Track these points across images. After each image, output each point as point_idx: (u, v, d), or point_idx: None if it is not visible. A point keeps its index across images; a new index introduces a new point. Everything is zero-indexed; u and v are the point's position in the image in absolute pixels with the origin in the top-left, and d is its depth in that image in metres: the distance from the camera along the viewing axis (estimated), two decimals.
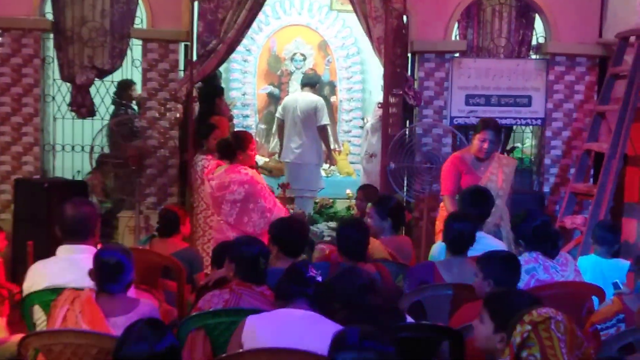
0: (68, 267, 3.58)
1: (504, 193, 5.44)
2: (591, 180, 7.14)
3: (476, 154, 5.53)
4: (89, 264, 3.34)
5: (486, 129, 5.46)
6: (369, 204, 4.86)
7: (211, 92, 7.69)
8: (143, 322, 2.68)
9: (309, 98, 8.11)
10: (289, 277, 3.19)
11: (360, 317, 3.04)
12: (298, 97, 8.27)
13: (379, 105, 7.18)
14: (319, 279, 3.18)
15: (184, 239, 5.18)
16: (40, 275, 3.59)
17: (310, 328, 2.98)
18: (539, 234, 4.04)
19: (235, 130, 7.71)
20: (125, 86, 7.70)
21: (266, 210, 5.63)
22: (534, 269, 3.95)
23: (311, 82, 8.31)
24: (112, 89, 7.77)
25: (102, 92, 7.53)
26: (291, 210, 7.86)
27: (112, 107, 7.93)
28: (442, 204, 5.72)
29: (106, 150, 7.27)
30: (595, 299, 3.97)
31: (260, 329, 3.01)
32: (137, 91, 7.72)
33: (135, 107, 7.91)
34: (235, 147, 5.79)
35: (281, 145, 8.41)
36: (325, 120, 8.00)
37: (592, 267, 4.61)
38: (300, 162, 8.10)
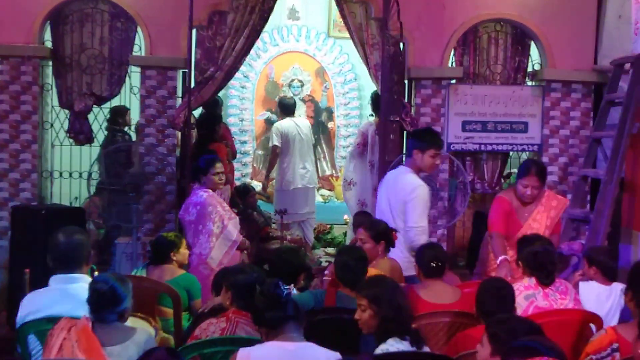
0: (62, 297, 3.56)
1: (549, 236, 5.03)
2: (588, 206, 7.14)
3: (520, 198, 5.29)
4: (82, 292, 3.33)
5: (528, 174, 5.18)
6: (360, 229, 4.82)
7: (210, 119, 7.73)
8: (161, 351, 2.70)
9: (306, 122, 8.43)
10: (265, 302, 3.17)
11: (389, 313, 3.29)
12: (297, 123, 8.39)
13: (376, 133, 7.21)
14: (294, 291, 3.20)
15: (182, 265, 5.16)
16: (35, 305, 3.57)
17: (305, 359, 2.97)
18: (537, 260, 4.05)
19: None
20: (119, 112, 7.71)
21: (212, 234, 5.64)
22: (534, 295, 3.95)
23: (293, 108, 8.62)
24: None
25: (101, 119, 7.56)
26: (289, 236, 7.88)
27: (106, 133, 7.90)
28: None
29: (103, 177, 7.26)
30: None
31: None
32: (131, 117, 7.72)
33: (130, 133, 7.92)
34: (198, 170, 5.83)
35: (269, 172, 8.61)
36: None
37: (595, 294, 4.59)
38: (311, 185, 8.46)
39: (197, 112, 7.86)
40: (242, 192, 7.94)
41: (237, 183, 9.13)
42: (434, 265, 4.23)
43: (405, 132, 6.99)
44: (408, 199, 5.01)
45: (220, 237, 5.63)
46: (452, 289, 4.29)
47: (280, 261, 4.29)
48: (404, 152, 6.90)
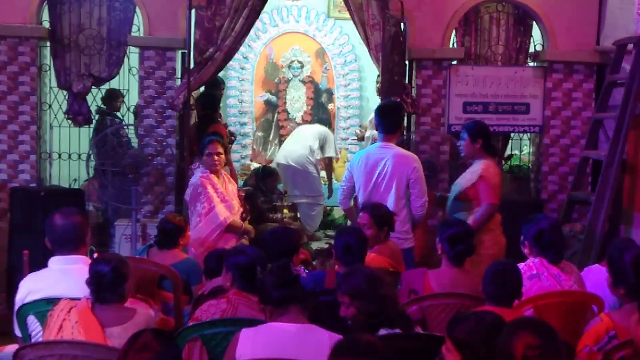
0: (61, 278, 3.54)
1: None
2: (589, 187, 7.12)
3: None
4: (82, 274, 3.31)
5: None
6: (364, 214, 4.75)
7: (210, 100, 7.69)
8: (149, 332, 2.67)
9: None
10: (273, 281, 3.15)
11: (372, 308, 3.15)
12: None
13: None
14: (304, 275, 3.17)
15: (183, 249, 5.14)
16: (35, 287, 3.55)
17: (306, 342, 2.95)
18: (545, 239, 4.02)
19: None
20: (113, 96, 7.67)
21: (199, 215, 5.67)
22: (537, 276, 3.93)
23: None
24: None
25: (99, 100, 7.52)
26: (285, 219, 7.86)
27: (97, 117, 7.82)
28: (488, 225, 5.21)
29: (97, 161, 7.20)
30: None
31: (256, 344, 2.98)
32: (122, 102, 7.65)
33: (121, 117, 7.86)
34: (198, 151, 5.84)
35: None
36: None
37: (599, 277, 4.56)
38: (298, 166, 8.39)
39: (196, 93, 7.81)
40: (263, 173, 7.92)
41: (237, 165, 9.12)
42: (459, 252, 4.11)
43: (405, 113, 6.95)
44: (413, 174, 5.23)
45: (205, 218, 5.64)
46: (472, 279, 4.06)
47: (270, 241, 4.24)
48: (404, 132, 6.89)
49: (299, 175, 8.22)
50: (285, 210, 7.94)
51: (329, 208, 8.79)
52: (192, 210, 5.75)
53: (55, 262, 3.65)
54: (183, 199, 6.15)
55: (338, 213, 8.71)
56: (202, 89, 7.62)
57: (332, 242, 7.05)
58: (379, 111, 5.48)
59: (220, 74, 7.94)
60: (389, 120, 5.39)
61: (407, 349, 3.09)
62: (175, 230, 4.91)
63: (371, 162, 5.31)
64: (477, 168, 5.26)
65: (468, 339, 2.60)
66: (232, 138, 8.11)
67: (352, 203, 5.82)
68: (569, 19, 7.21)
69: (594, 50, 7.28)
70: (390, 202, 5.15)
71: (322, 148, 8.43)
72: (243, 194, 6.32)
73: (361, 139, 8.88)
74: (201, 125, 7.31)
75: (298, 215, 8.24)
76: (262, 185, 7.85)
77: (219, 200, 5.70)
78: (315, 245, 7.41)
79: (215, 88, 7.98)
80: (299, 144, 8.40)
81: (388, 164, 5.24)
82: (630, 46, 6.65)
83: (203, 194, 5.67)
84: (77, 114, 7.25)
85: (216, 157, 5.72)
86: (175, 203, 7.04)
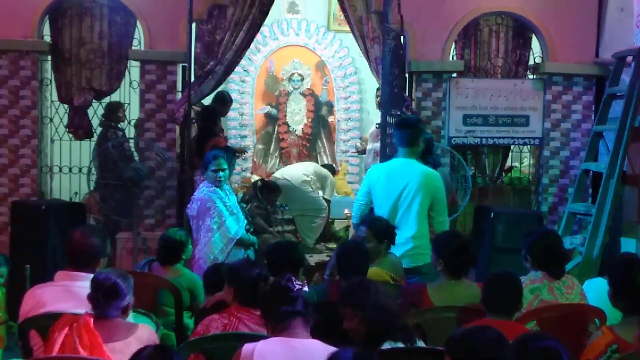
0: (65, 294, 3.54)
1: None
2: (590, 199, 7.13)
3: None
4: (85, 291, 3.31)
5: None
6: (363, 228, 4.71)
7: (210, 113, 7.70)
8: (152, 349, 2.66)
9: None
10: (276, 296, 3.14)
11: (374, 320, 3.14)
12: None
13: (377, 126, 7.20)
14: (305, 288, 3.16)
15: (185, 264, 5.12)
16: (38, 301, 3.55)
17: (309, 356, 2.94)
18: (547, 253, 4.02)
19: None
20: (114, 108, 7.68)
21: (209, 230, 5.63)
22: (539, 289, 3.93)
23: None
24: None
25: (100, 114, 7.54)
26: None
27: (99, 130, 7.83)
28: None
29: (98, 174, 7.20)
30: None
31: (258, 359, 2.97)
32: (124, 113, 7.67)
33: (125, 129, 7.88)
34: (203, 165, 5.83)
35: None
36: None
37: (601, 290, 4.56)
38: (290, 182, 8.28)
39: (199, 106, 7.82)
40: (265, 187, 7.92)
41: (237, 177, 9.12)
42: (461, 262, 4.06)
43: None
44: (435, 190, 4.99)
45: (217, 233, 5.62)
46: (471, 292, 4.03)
47: (273, 254, 4.23)
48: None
49: (294, 192, 8.19)
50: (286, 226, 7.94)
51: (329, 220, 8.77)
52: (199, 225, 5.66)
53: (61, 276, 3.65)
54: (184, 213, 6.12)
55: (339, 225, 8.70)
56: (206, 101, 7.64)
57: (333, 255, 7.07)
58: (400, 125, 5.30)
59: (221, 87, 7.96)
60: (410, 132, 5.10)
61: None
62: (179, 247, 4.90)
63: (393, 178, 5.04)
64: None
65: (467, 355, 2.59)
66: (239, 155, 8.09)
67: None
68: (568, 31, 7.25)
69: (593, 62, 7.31)
70: (412, 222, 4.93)
71: (322, 186, 8.43)
72: (245, 206, 6.32)
73: (362, 152, 8.88)
74: (200, 138, 7.33)
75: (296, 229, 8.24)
76: (261, 196, 7.84)
77: (229, 214, 5.71)
78: (316, 258, 7.39)
79: (221, 104, 7.97)
80: (298, 167, 8.51)
81: (412, 183, 4.97)
82: (629, 58, 6.68)
83: (213, 209, 5.62)
84: (78, 127, 7.27)
85: (221, 173, 5.73)
86: (176, 216, 7.04)
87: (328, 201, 8.46)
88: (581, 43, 7.30)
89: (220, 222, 5.63)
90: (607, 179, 6.30)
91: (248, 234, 5.87)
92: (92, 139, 7.47)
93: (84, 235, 3.69)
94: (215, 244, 5.61)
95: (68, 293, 3.54)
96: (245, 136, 9.89)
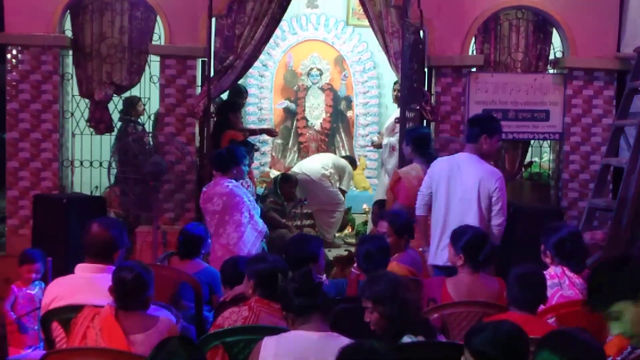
0: (86, 286, 3.57)
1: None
2: (610, 195, 7.08)
3: None
4: (106, 282, 3.33)
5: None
6: (383, 222, 4.71)
7: (224, 106, 7.73)
8: (175, 339, 2.68)
9: None
10: (298, 287, 3.16)
11: (395, 313, 3.17)
12: None
13: (396, 121, 7.18)
14: (326, 282, 3.16)
15: (204, 258, 5.15)
16: (59, 293, 3.59)
17: (328, 350, 2.95)
18: (567, 248, 4.00)
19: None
20: (132, 102, 7.73)
21: (240, 225, 5.64)
22: (559, 284, 3.92)
23: None
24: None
25: (120, 109, 7.58)
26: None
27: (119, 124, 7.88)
28: None
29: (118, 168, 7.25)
30: None
31: (278, 352, 2.98)
32: (144, 107, 7.71)
33: (144, 123, 7.92)
34: (230, 161, 5.81)
35: None
36: None
37: None
38: (306, 176, 8.38)
39: (218, 100, 7.85)
40: (282, 179, 7.94)
41: (256, 172, 9.14)
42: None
43: (425, 120, 6.96)
44: (494, 189, 4.84)
45: (248, 227, 5.65)
46: (490, 286, 4.05)
47: (291, 248, 4.24)
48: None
49: (314, 186, 8.23)
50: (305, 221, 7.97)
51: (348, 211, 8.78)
52: (224, 220, 5.65)
53: (81, 269, 3.67)
54: (200, 207, 6.12)
55: (357, 220, 8.70)
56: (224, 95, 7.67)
57: (351, 249, 7.09)
58: (468, 121, 5.19)
59: (240, 82, 7.99)
60: (472, 129, 5.02)
61: (430, 357, 3.09)
62: (197, 240, 4.94)
63: (456, 173, 4.93)
64: None
65: (486, 349, 2.59)
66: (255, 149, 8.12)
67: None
68: (589, 25, 7.19)
69: (614, 57, 7.25)
70: (470, 219, 4.76)
71: (339, 177, 8.45)
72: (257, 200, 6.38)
73: (378, 146, 8.87)
74: (215, 129, 7.34)
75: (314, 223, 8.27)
76: (279, 190, 7.87)
77: (253, 207, 5.75)
78: (334, 252, 7.40)
79: (238, 96, 8.02)
80: (316, 161, 8.52)
81: (472, 179, 4.86)
82: None
83: (242, 203, 5.66)
84: (99, 121, 7.32)
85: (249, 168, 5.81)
86: (195, 210, 7.07)
87: (344, 192, 8.46)
88: (602, 37, 7.24)
89: (249, 216, 5.68)
90: (628, 174, 6.25)
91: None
92: (113, 134, 7.52)
93: (101, 227, 3.71)
94: (248, 238, 5.64)
95: (89, 285, 3.57)
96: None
